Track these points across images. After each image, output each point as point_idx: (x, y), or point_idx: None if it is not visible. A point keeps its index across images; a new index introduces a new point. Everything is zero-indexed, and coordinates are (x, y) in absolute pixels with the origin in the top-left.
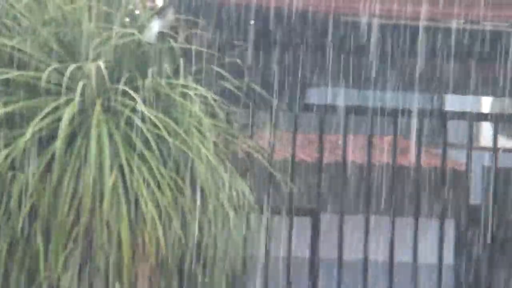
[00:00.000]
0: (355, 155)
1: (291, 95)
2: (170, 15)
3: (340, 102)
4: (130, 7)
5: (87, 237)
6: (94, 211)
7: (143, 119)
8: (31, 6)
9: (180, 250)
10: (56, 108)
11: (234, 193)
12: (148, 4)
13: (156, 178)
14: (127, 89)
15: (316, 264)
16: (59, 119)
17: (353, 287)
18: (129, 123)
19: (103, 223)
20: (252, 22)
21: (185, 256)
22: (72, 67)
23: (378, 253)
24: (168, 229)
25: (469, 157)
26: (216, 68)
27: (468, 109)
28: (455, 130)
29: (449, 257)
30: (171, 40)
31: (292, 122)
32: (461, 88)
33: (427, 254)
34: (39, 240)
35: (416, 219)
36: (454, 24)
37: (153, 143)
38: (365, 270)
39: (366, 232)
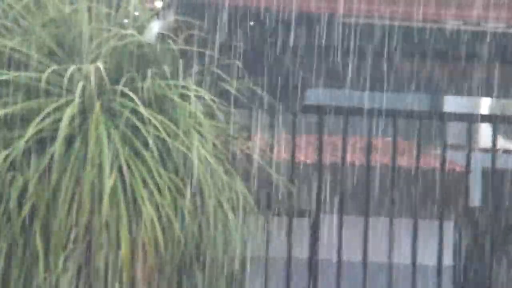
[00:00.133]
0: (354, 156)
1: (291, 96)
2: (170, 16)
3: (339, 104)
4: (130, 8)
5: (87, 238)
6: (94, 212)
7: (142, 120)
8: (30, 7)
9: (179, 251)
10: (56, 109)
11: (234, 195)
12: (148, 5)
13: (155, 179)
14: (126, 90)
15: (315, 265)
16: (58, 120)
17: None
18: (129, 124)
19: (102, 224)
20: (251, 23)
21: (185, 258)
22: (71, 68)
23: (377, 255)
24: (167, 230)
25: (468, 158)
26: (215, 70)
27: (467, 111)
28: (455, 131)
29: (448, 259)
30: (171, 42)
31: (291, 123)
32: (460, 89)
33: (426, 256)
34: (39, 241)
35: (415, 221)
36: (450, 25)
37: (152, 144)
38: (364, 271)
39: (365, 234)
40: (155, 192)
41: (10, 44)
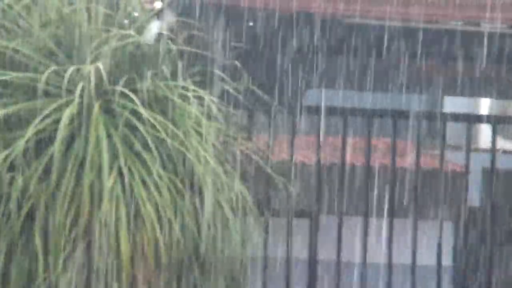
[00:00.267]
0: (353, 157)
1: (290, 97)
2: (169, 17)
3: (338, 104)
4: (129, 9)
5: (86, 239)
6: (93, 212)
7: (142, 121)
8: (30, 7)
9: (179, 251)
10: (56, 110)
11: (233, 195)
12: (147, 6)
13: (155, 179)
14: (126, 91)
15: (314, 266)
16: (58, 121)
17: None
18: (128, 124)
19: (102, 225)
20: (250, 23)
21: (184, 258)
22: (71, 69)
23: (377, 255)
24: (167, 231)
25: (468, 158)
26: (215, 70)
27: (466, 111)
28: (454, 132)
29: (448, 259)
30: (170, 42)
31: (290, 124)
32: (460, 90)
33: (426, 256)
34: (38, 241)
35: (415, 221)
36: (453, 26)
37: (152, 145)
38: (363, 271)
39: (365, 234)
40: (155, 193)
41: (10, 44)
